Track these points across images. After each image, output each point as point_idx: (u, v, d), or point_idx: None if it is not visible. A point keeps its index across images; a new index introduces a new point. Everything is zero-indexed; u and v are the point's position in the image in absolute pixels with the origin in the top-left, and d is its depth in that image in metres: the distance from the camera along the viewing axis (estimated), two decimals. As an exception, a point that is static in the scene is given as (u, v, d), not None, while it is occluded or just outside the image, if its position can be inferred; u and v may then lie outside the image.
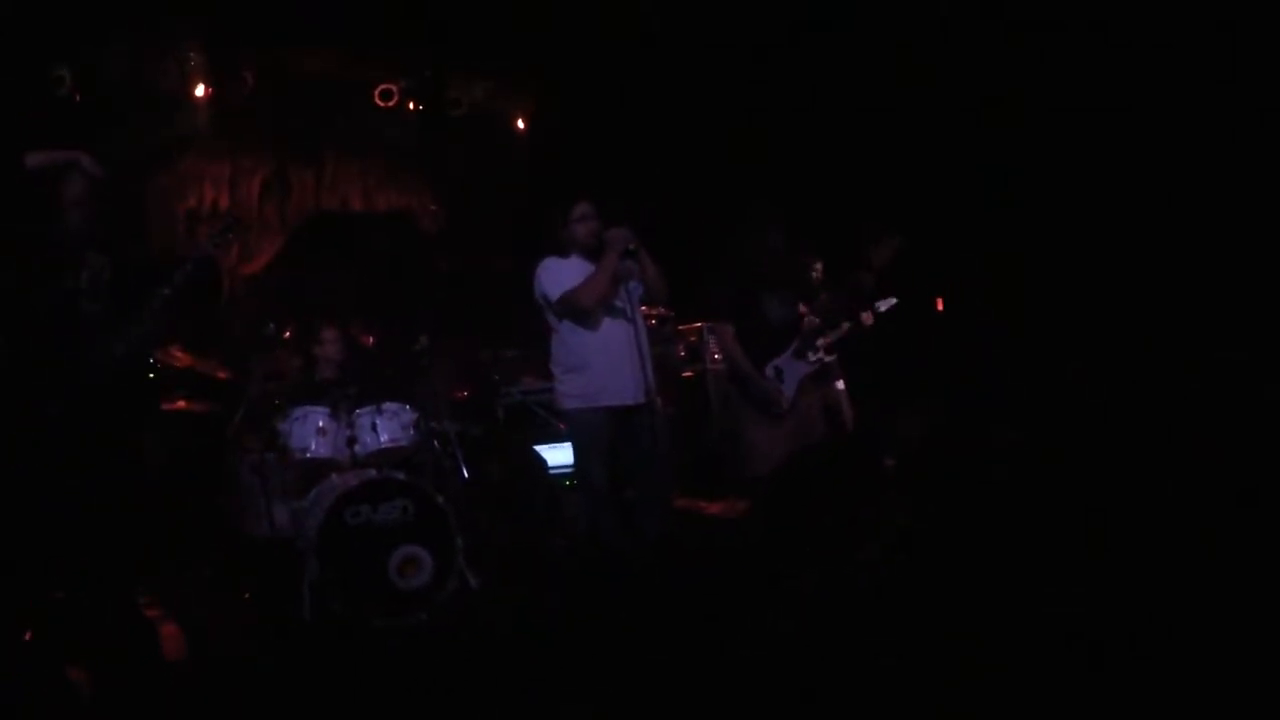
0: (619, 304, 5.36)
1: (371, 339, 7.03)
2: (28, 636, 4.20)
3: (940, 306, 10.28)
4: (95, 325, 4.39)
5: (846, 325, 6.55)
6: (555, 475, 7.48)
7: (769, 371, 6.12)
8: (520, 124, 9.64)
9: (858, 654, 3.50)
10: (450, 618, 5.11)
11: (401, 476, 5.49)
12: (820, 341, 6.54)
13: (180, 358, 6.04)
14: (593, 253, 5.35)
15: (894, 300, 7.05)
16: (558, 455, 7.51)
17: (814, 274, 6.47)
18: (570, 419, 5.47)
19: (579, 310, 5.23)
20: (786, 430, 6.14)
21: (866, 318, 6.75)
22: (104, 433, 4.38)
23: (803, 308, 6.51)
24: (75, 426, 4.28)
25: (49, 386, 4.26)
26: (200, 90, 7.97)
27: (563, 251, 5.41)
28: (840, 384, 6.83)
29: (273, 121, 8.32)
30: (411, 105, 9.02)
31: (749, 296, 6.21)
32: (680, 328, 8.33)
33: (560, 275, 5.32)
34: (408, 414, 5.96)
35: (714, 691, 3.45)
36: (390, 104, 8.91)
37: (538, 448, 7.45)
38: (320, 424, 5.75)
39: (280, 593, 5.48)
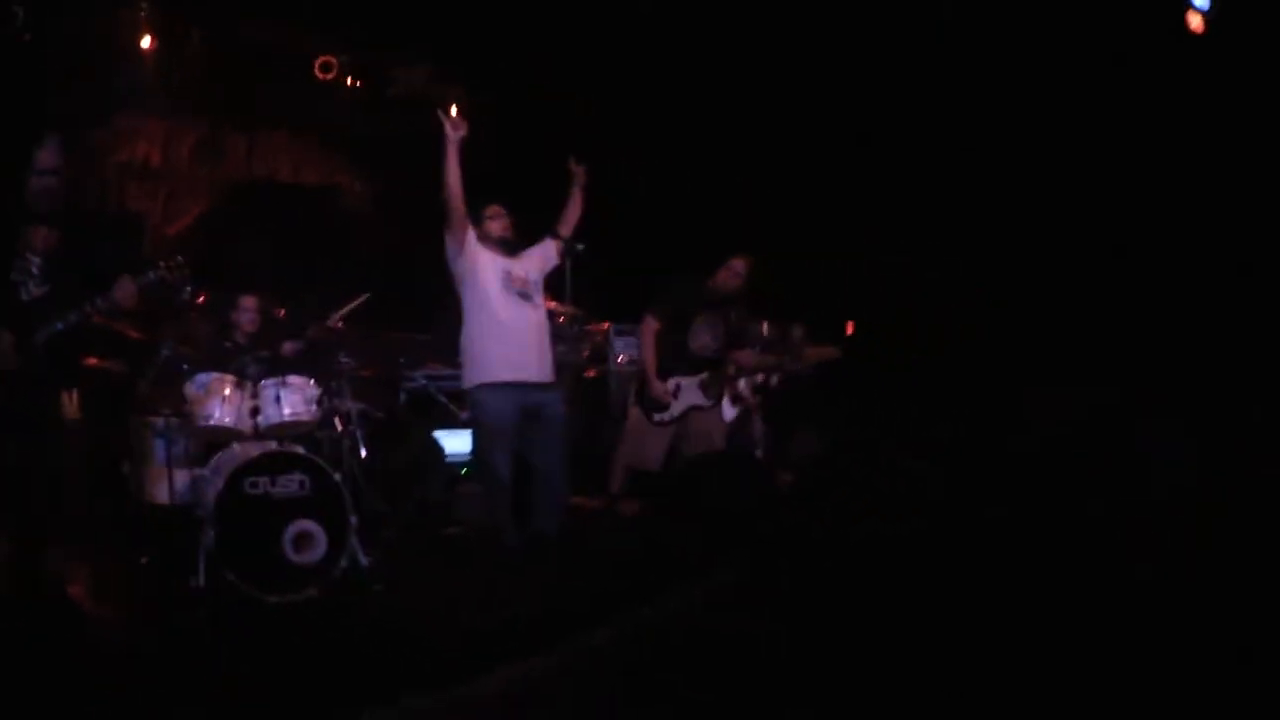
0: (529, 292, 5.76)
1: (284, 311, 7.06)
2: None
3: (850, 330, 10.59)
4: (38, 308, 4.67)
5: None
6: (452, 463, 7.61)
7: (670, 384, 6.46)
8: (454, 112, 9.62)
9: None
10: (341, 595, 5.20)
11: (301, 450, 5.57)
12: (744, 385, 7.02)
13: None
14: (504, 246, 5.77)
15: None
16: (455, 443, 7.63)
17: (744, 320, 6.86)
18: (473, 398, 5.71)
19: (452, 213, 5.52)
20: (662, 439, 6.53)
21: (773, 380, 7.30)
22: (30, 396, 4.54)
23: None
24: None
25: None
26: (146, 42, 7.88)
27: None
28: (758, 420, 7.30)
29: (211, 84, 8.23)
30: (349, 81, 9.04)
31: (685, 312, 6.55)
32: (588, 328, 8.51)
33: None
34: (311, 389, 6.03)
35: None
36: (329, 77, 8.92)
37: (436, 434, 7.57)
38: (226, 392, 5.79)
39: (177, 560, 5.50)
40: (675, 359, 6.63)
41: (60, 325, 4.64)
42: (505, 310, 5.61)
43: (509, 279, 5.67)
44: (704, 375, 6.62)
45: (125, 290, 4.74)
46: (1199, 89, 7.34)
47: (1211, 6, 7.10)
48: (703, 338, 6.64)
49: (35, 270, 4.73)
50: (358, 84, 9.03)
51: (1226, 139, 7.36)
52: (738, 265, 6.74)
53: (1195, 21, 7.22)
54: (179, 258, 4.99)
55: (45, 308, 4.68)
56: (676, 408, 6.57)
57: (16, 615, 4.30)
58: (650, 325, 6.67)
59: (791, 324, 7.53)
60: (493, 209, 5.81)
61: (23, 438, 4.57)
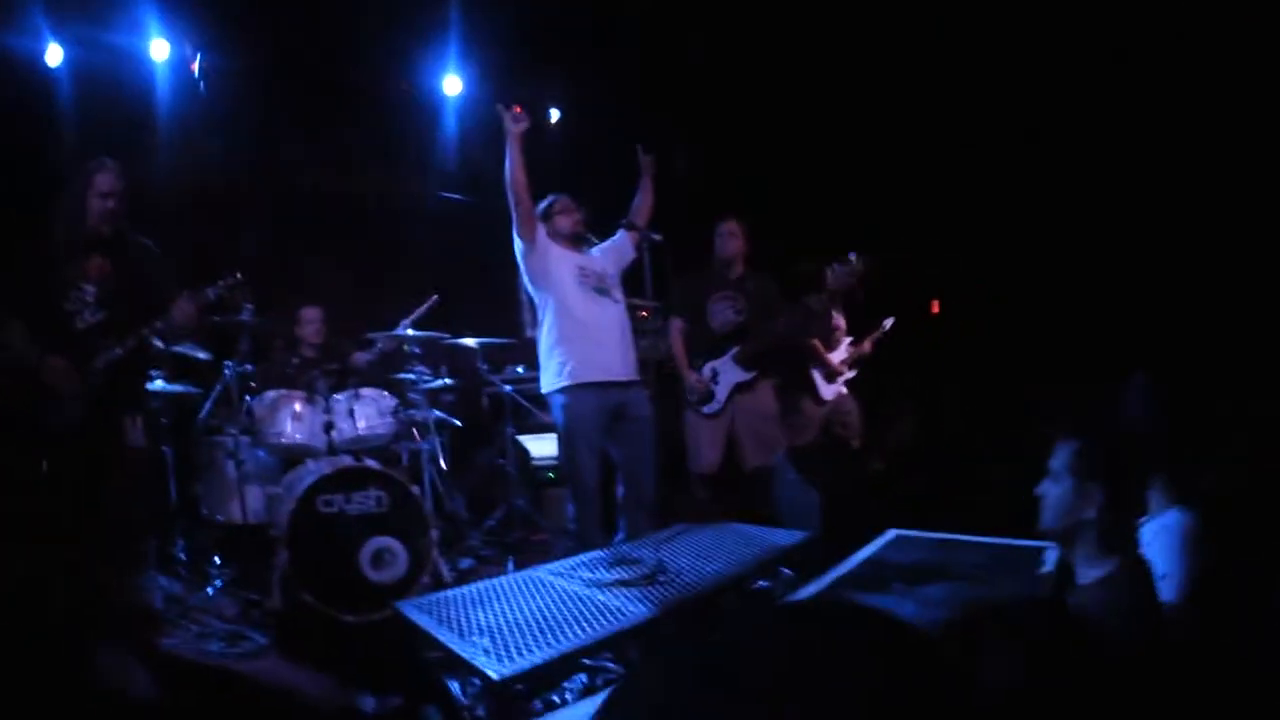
0: (606, 287, 5.48)
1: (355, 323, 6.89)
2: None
3: (936, 309, 10.26)
4: (95, 335, 4.54)
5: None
6: (537, 467, 7.40)
7: (705, 371, 6.20)
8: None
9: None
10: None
11: (377, 465, 5.37)
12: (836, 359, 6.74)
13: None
14: (576, 241, 5.51)
15: (892, 319, 7.21)
16: (540, 447, 7.42)
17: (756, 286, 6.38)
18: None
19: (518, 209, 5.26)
20: (718, 435, 6.16)
21: (867, 345, 7.03)
22: (90, 420, 4.47)
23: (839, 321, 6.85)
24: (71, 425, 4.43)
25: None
26: (197, 64, 7.69)
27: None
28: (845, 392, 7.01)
29: (264, 93, 8.00)
30: (407, 84, 8.80)
31: (698, 301, 6.24)
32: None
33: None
34: (386, 400, 5.88)
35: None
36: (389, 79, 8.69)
37: (520, 439, 7.35)
38: (296, 408, 5.65)
39: (253, 579, 5.41)
40: (705, 346, 6.32)
41: (119, 350, 4.53)
42: (583, 308, 5.34)
43: (584, 275, 5.41)
44: (735, 349, 6.26)
45: (184, 311, 4.61)
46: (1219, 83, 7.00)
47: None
48: (724, 314, 6.28)
49: (90, 298, 4.60)
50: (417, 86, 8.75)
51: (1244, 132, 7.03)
52: (728, 226, 6.38)
53: None
54: (237, 275, 4.81)
55: (102, 334, 4.56)
56: (721, 392, 6.22)
57: (80, 639, 4.15)
58: (675, 325, 6.43)
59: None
60: (561, 203, 5.56)
61: (85, 462, 4.43)
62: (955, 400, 8.51)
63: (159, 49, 7.28)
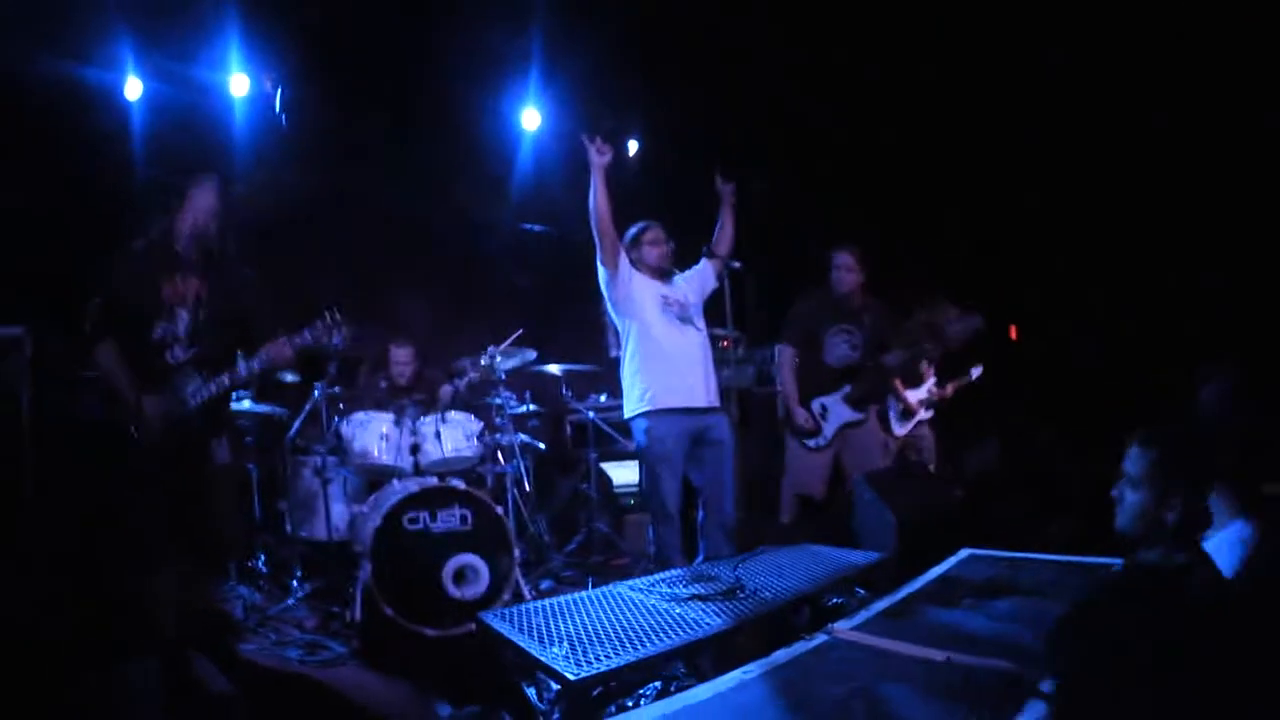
0: (689, 315, 5.50)
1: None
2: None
3: (1014, 335, 10.14)
4: (187, 372, 4.40)
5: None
6: (619, 493, 7.44)
7: (815, 407, 6.14)
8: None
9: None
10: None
11: (462, 485, 5.45)
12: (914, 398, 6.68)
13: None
14: (663, 274, 5.51)
15: (980, 368, 7.16)
16: (622, 474, 7.45)
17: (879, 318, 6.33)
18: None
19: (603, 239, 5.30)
20: (822, 466, 6.15)
21: (949, 389, 6.99)
22: (184, 447, 4.38)
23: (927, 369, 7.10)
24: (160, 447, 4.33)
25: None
26: (278, 98, 7.78)
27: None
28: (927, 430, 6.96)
29: (345, 126, 8.06)
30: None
31: (814, 331, 6.21)
32: (753, 351, 8.22)
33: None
34: (472, 424, 5.95)
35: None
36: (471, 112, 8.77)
37: (603, 465, 7.41)
38: (383, 430, 5.75)
39: (334, 594, 5.52)
40: (816, 380, 6.26)
41: (213, 388, 4.38)
42: (666, 335, 5.38)
43: (667, 303, 5.45)
44: (848, 388, 6.23)
45: (280, 352, 4.45)
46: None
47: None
48: (839, 349, 6.23)
49: (182, 331, 4.40)
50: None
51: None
52: (843, 259, 6.28)
53: None
54: (335, 312, 4.56)
55: (194, 372, 4.39)
56: (829, 429, 6.18)
57: (178, 656, 4.22)
58: (786, 353, 6.37)
59: (936, 304, 6.97)
60: (652, 233, 5.57)
61: (172, 484, 4.40)
62: (1037, 426, 8.39)
63: (239, 83, 7.44)
